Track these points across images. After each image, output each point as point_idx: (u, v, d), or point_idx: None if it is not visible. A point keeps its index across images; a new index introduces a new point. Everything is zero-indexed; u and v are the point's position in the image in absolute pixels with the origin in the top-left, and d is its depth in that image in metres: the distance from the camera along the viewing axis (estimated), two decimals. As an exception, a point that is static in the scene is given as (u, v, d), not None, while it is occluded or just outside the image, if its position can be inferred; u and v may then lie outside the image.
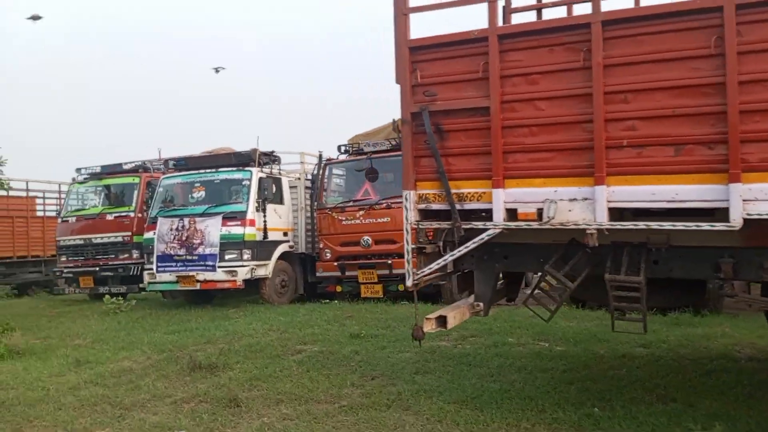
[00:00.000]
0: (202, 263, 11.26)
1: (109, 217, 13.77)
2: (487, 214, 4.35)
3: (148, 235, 11.98)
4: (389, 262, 10.77)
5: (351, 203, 11.57)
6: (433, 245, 4.91)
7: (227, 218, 11.31)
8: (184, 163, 12.38)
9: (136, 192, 13.86)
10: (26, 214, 17.79)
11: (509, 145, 4.24)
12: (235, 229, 11.25)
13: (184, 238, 11.45)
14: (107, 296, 11.58)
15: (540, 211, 4.11)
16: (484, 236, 4.32)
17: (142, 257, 13.55)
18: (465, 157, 4.43)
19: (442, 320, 4.59)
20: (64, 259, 14.22)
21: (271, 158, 12.22)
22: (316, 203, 12.09)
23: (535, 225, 4.15)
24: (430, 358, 6.57)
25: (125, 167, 14.41)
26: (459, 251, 4.51)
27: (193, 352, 7.36)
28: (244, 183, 11.63)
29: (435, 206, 4.57)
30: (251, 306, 11.39)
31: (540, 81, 4.16)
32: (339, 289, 11.58)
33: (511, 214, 4.26)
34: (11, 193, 16.32)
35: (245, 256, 11.21)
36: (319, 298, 12.66)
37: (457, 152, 4.44)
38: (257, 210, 11.46)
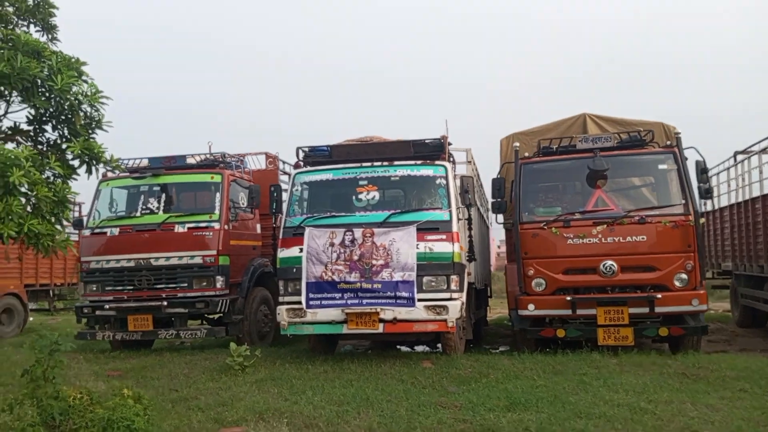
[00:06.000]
0: (389, 294, 7.61)
1: (180, 229, 9.58)
2: None
3: (287, 253, 8.07)
4: (658, 296, 7.78)
5: (578, 216, 8.49)
6: None
7: (423, 230, 7.82)
8: (327, 152, 8.62)
9: (218, 195, 9.84)
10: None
11: None
12: (439, 246, 7.75)
13: (355, 258, 7.75)
14: (234, 345, 7.47)
15: None
16: None
17: (226, 287, 9.59)
18: None
19: None
20: (94, 289, 9.74)
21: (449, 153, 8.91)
22: (509, 216, 8.88)
23: None
24: None
25: (189, 161, 10.36)
26: None
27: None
28: (438, 182, 8.18)
29: None
30: (443, 358, 7.82)
31: None
32: (562, 333, 8.35)
33: None
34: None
35: (453, 285, 7.73)
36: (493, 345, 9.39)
37: None
38: (458, 219, 8.09)
